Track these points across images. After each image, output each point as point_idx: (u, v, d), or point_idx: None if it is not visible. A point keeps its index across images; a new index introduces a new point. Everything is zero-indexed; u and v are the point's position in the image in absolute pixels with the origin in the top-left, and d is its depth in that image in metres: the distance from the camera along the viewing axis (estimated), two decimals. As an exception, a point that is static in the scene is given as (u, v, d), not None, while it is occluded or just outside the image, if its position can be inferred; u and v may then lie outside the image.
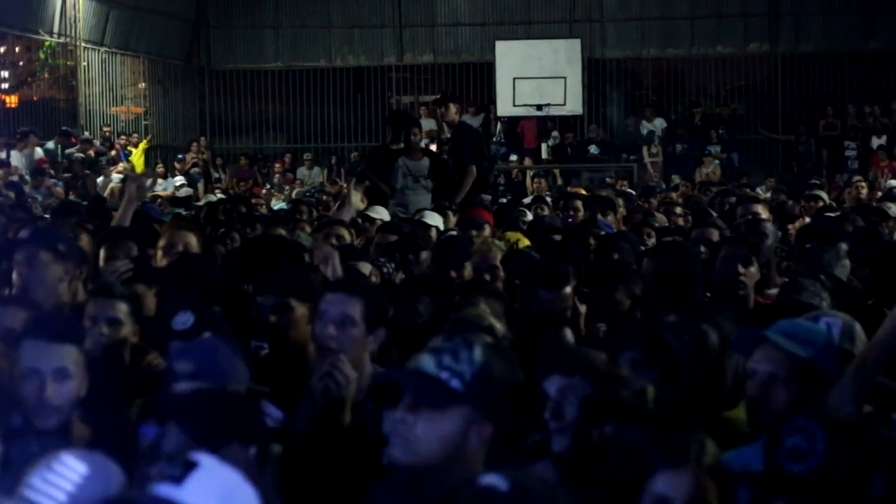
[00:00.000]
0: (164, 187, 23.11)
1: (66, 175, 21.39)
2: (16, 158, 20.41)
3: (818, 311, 5.04)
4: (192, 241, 7.06)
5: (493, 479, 2.76)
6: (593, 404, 3.88)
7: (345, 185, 13.83)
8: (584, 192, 14.01)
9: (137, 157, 24.39)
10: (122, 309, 5.34)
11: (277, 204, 20.27)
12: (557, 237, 8.32)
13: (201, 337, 4.68)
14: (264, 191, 24.23)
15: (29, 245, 6.00)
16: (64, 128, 23.09)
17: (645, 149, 25.89)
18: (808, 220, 10.61)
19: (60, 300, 5.87)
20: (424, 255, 7.65)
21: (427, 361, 3.43)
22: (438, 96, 14.24)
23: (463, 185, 12.56)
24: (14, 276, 5.93)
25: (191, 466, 2.85)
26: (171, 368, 4.35)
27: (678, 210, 11.80)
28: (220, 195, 19.39)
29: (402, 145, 12.48)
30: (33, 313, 4.89)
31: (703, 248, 7.37)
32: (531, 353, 4.90)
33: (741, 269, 6.36)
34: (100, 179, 21.88)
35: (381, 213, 10.57)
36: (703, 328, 4.76)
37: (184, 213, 13.57)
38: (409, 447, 3.39)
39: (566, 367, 4.07)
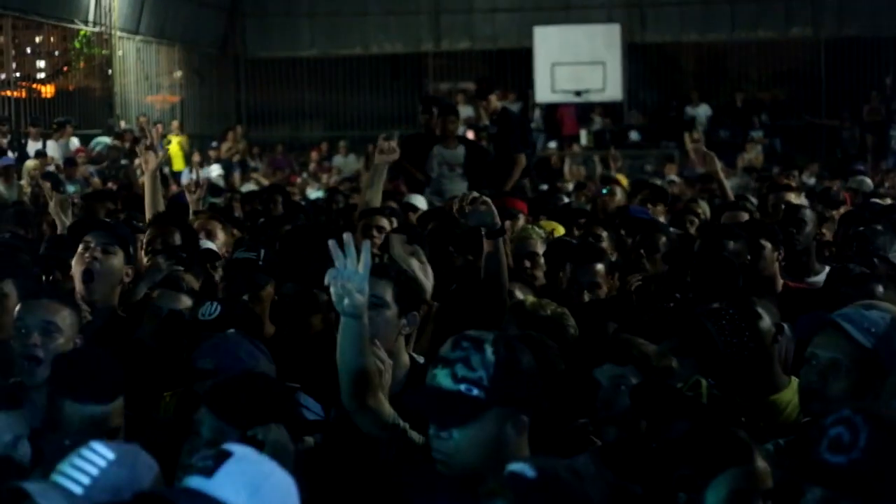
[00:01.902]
0: (199, 176, 22.99)
1: (101, 165, 21.36)
2: (52, 148, 20.37)
3: (869, 301, 4.87)
4: (219, 231, 7.20)
5: (520, 466, 2.79)
6: (645, 395, 3.86)
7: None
8: (622, 178, 13.93)
9: (175, 149, 24.35)
10: (185, 302, 5.37)
11: (313, 193, 20.14)
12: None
13: (224, 332, 4.63)
14: (300, 179, 24.12)
15: (102, 239, 5.85)
16: (110, 121, 23.10)
17: (687, 135, 25.61)
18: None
19: (114, 302, 5.80)
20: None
21: (442, 377, 3.35)
22: (476, 83, 14.08)
23: (512, 173, 12.47)
24: (79, 265, 5.78)
25: (223, 457, 2.88)
26: (193, 366, 4.31)
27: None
28: (251, 186, 19.26)
29: (438, 132, 12.35)
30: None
31: None
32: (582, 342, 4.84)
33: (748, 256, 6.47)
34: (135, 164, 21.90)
35: (420, 202, 10.45)
36: (755, 312, 4.66)
37: (218, 202, 13.48)
38: (451, 462, 3.35)
39: (618, 357, 4.11)
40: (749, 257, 6.54)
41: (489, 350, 3.32)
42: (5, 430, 3.90)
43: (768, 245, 6.65)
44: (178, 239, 6.81)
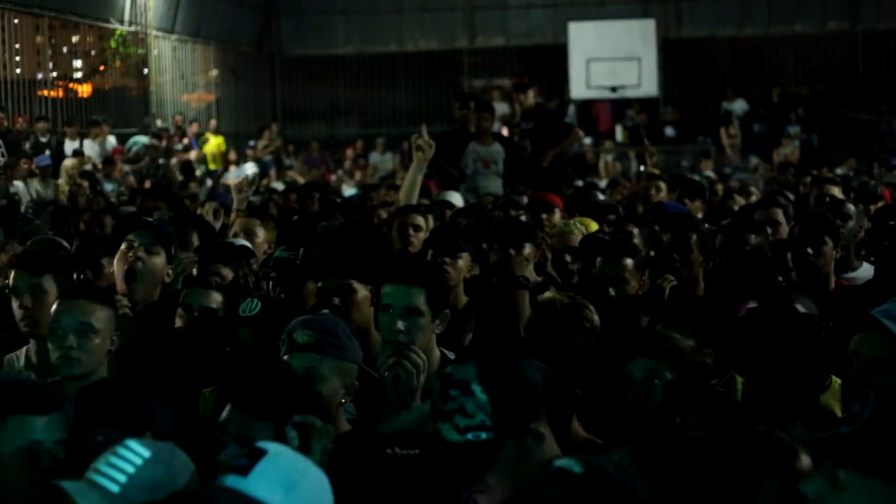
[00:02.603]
0: (235, 175, 23.10)
1: (139, 164, 21.47)
2: (88, 148, 20.47)
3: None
4: (260, 230, 7.22)
5: (566, 462, 2.80)
6: (679, 391, 3.82)
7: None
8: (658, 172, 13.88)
9: (211, 148, 24.43)
10: (216, 298, 5.38)
11: (349, 190, 20.17)
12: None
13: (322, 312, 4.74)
14: (335, 177, 24.16)
15: (146, 239, 5.88)
16: (146, 120, 23.20)
17: (723, 130, 25.54)
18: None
19: (154, 299, 5.82)
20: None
21: (447, 432, 3.32)
22: (512, 80, 14.11)
23: (563, 142, 12.52)
24: (121, 265, 5.81)
25: (258, 455, 2.88)
26: (289, 338, 4.27)
27: (753, 191, 11.62)
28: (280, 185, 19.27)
29: (473, 128, 12.36)
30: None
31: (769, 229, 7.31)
32: (613, 335, 4.82)
33: (810, 251, 6.41)
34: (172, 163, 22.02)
35: (456, 199, 10.45)
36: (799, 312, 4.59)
37: (254, 199, 13.50)
38: (492, 494, 3.28)
39: (653, 352, 4.09)
40: (811, 252, 6.50)
41: (478, 390, 3.30)
42: (47, 433, 3.89)
43: (830, 242, 6.61)
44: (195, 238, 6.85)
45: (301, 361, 4.19)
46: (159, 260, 5.83)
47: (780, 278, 6.15)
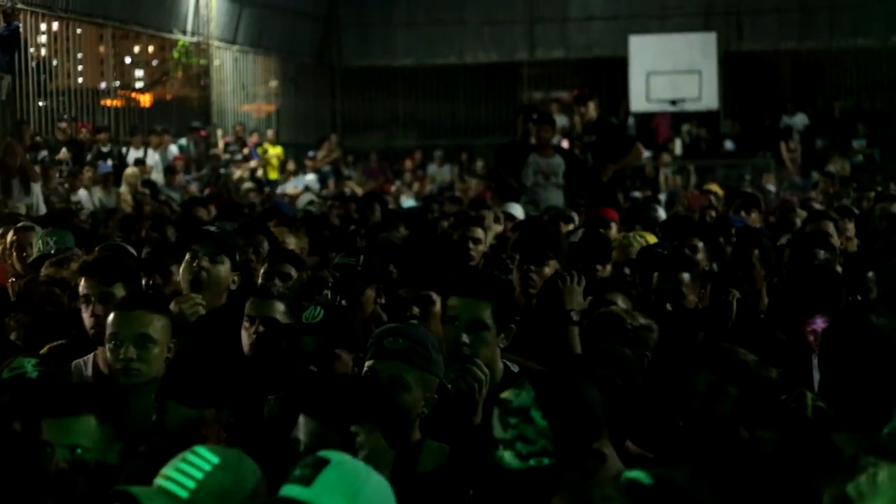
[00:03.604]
0: (294, 185, 23.20)
1: (202, 172, 21.62)
2: (150, 157, 20.64)
3: None
4: (290, 238, 7.48)
5: (637, 474, 2.75)
6: (750, 406, 3.83)
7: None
8: (718, 188, 13.84)
9: (270, 158, 24.55)
10: (279, 308, 5.35)
11: (407, 201, 20.20)
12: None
13: (409, 323, 4.76)
14: (394, 188, 24.20)
15: (210, 248, 5.92)
16: (194, 123, 23.31)
17: (783, 144, 25.36)
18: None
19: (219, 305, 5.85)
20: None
21: (510, 459, 3.29)
22: (573, 92, 14.07)
23: (627, 156, 12.51)
24: (187, 274, 5.86)
25: (321, 465, 2.92)
26: (378, 344, 4.27)
27: (817, 206, 11.53)
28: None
29: (534, 141, 12.36)
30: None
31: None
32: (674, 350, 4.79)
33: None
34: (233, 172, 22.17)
35: (517, 211, 10.46)
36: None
37: (313, 209, 13.58)
38: None
39: (717, 366, 4.06)
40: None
41: (537, 416, 3.27)
42: (112, 441, 3.92)
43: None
44: (265, 245, 6.90)
45: (388, 368, 4.17)
46: (224, 268, 5.88)
47: (858, 295, 6.10)
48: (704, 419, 4.00)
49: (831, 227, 7.77)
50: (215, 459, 3.11)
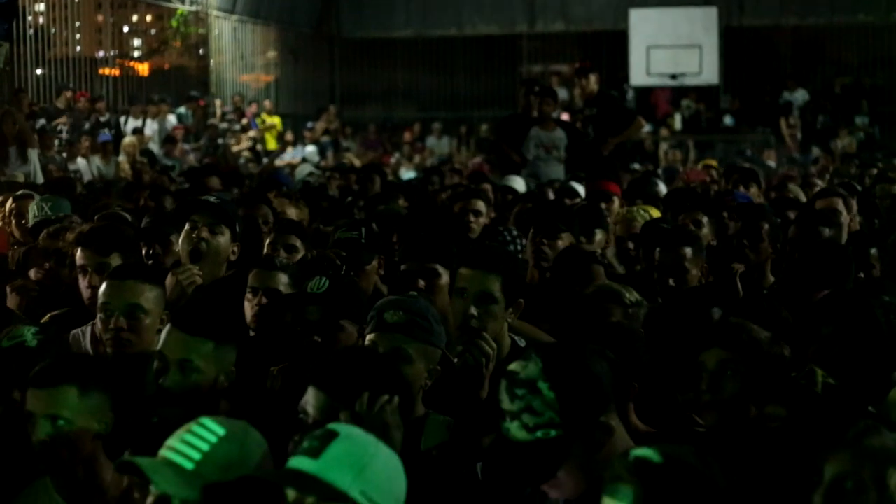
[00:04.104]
0: (292, 155, 23.15)
1: (200, 142, 21.57)
2: (148, 126, 20.58)
3: None
4: (291, 209, 7.45)
5: (646, 452, 2.74)
6: (758, 382, 3.79)
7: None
8: (714, 163, 13.84)
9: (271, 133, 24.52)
10: (282, 280, 5.33)
11: (406, 173, 20.16)
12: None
13: (409, 295, 4.71)
14: (393, 160, 24.16)
15: (209, 218, 5.86)
16: (193, 93, 23.23)
17: (783, 120, 25.32)
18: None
19: (219, 276, 5.81)
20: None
21: (516, 430, 3.22)
22: (577, 65, 14.00)
23: (628, 129, 12.45)
24: (186, 245, 5.82)
25: (330, 438, 2.89)
26: (378, 317, 4.24)
27: (818, 182, 11.52)
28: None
29: (535, 114, 12.32)
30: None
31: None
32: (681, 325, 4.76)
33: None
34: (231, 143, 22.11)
35: (518, 184, 10.42)
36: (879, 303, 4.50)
37: (312, 180, 13.54)
38: (567, 489, 3.26)
39: (728, 342, 3.99)
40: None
41: (545, 388, 3.21)
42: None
43: None
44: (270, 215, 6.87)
45: (389, 341, 4.14)
46: (223, 239, 5.82)
47: (861, 273, 6.07)
48: (713, 396, 3.94)
49: (841, 204, 7.72)
50: (221, 431, 3.08)
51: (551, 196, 9.72)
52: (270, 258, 5.73)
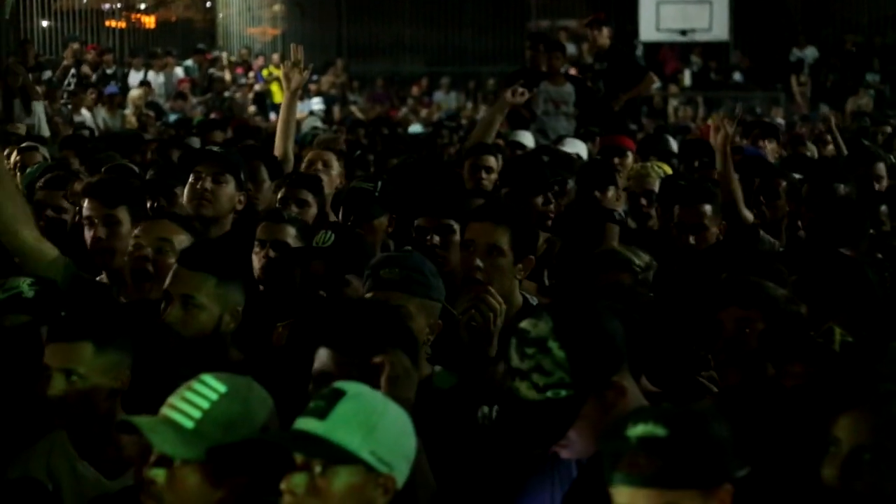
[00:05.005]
0: (299, 109, 22.99)
1: (207, 96, 21.48)
2: (153, 79, 20.50)
3: None
4: (336, 163, 7.19)
5: (649, 427, 2.65)
6: (776, 340, 3.74)
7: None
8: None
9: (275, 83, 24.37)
10: (290, 232, 5.27)
11: (413, 128, 20.06)
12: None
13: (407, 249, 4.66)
14: (400, 114, 24.04)
15: (213, 168, 5.79)
16: (200, 45, 23.11)
17: (794, 77, 25.19)
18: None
19: (227, 229, 5.76)
20: (570, 183, 7.38)
21: (526, 390, 3.13)
22: (591, 17, 13.85)
23: (638, 86, 12.34)
24: (190, 195, 5.77)
25: (337, 397, 2.82)
26: (374, 275, 4.16)
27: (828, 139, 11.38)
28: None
29: (544, 68, 12.21)
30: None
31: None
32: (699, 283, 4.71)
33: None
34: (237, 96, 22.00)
35: (527, 139, 10.32)
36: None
37: (322, 133, 13.45)
38: (576, 450, 3.18)
39: (745, 300, 3.96)
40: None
41: (555, 347, 3.11)
42: (115, 369, 3.85)
43: None
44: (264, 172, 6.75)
45: (387, 299, 4.04)
46: (228, 188, 5.75)
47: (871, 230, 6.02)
48: (730, 355, 3.90)
49: (883, 168, 7.62)
50: (222, 388, 3.00)
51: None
52: (278, 211, 5.66)
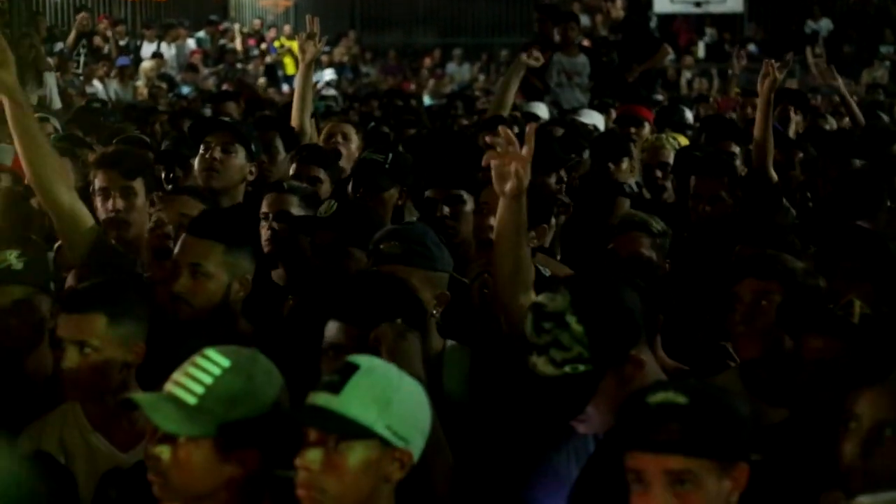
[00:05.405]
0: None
1: (219, 67, 21.43)
2: (165, 51, 20.45)
3: None
4: (355, 135, 7.16)
5: (669, 395, 2.60)
6: (794, 312, 3.66)
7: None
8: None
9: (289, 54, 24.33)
10: (293, 202, 5.24)
11: (427, 100, 19.99)
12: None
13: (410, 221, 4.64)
14: (413, 86, 23.96)
15: (223, 138, 5.75)
16: (212, 17, 23.05)
17: (808, 49, 25.04)
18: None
19: (238, 199, 5.72)
20: (586, 154, 7.33)
21: (543, 365, 3.09)
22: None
23: (654, 57, 12.27)
24: (201, 166, 5.73)
25: (350, 371, 2.78)
26: (376, 249, 4.13)
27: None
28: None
29: (558, 39, 12.15)
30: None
31: None
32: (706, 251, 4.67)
33: None
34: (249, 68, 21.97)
35: (541, 110, 10.27)
36: None
37: (333, 105, 13.41)
38: (593, 424, 3.14)
39: (762, 272, 3.92)
40: None
41: (573, 321, 3.07)
42: (129, 341, 3.83)
43: None
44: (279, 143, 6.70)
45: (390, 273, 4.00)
46: (237, 159, 5.71)
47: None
48: (748, 328, 3.85)
49: None
50: (226, 363, 2.95)
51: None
52: (279, 182, 5.63)
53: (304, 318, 4.16)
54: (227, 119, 6.05)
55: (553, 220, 5.10)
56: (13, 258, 4.28)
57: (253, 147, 5.79)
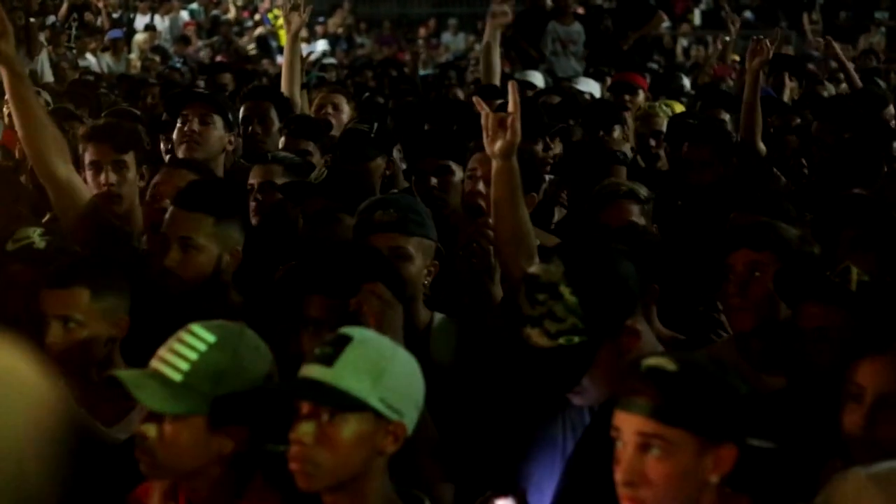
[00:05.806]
0: (304, 51, 22.85)
1: (213, 39, 21.34)
2: (158, 23, 20.35)
3: None
4: (346, 105, 7.12)
5: (658, 361, 2.56)
6: (789, 281, 3.63)
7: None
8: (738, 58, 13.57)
9: (282, 23, 24.19)
10: (277, 171, 5.22)
11: (422, 70, 19.91)
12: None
13: (392, 193, 4.66)
14: (407, 56, 23.87)
15: (200, 110, 5.72)
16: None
17: (805, 16, 24.96)
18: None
19: (219, 171, 5.66)
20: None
21: (537, 337, 3.06)
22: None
23: (649, 23, 12.20)
24: (179, 138, 5.71)
25: (343, 343, 2.73)
26: (369, 218, 4.09)
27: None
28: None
29: (551, 6, 12.10)
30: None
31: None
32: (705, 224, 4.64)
33: None
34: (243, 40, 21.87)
35: (537, 79, 10.22)
36: None
37: (327, 75, 13.34)
38: (589, 397, 3.12)
39: (756, 242, 3.87)
40: None
41: (567, 292, 3.02)
42: (113, 315, 3.80)
43: None
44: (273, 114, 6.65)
45: (386, 241, 3.98)
46: (215, 130, 5.69)
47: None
48: (742, 298, 3.82)
49: (893, 111, 7.53)
50: (211, 338, 2.89)
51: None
52: (263, 153, 5.61)
53: (285, 290, 4.13)
54: (200, 90, 6.00)
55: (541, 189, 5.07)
56: (36, 236, 4.29)
57: (230, 117, 5.78)
